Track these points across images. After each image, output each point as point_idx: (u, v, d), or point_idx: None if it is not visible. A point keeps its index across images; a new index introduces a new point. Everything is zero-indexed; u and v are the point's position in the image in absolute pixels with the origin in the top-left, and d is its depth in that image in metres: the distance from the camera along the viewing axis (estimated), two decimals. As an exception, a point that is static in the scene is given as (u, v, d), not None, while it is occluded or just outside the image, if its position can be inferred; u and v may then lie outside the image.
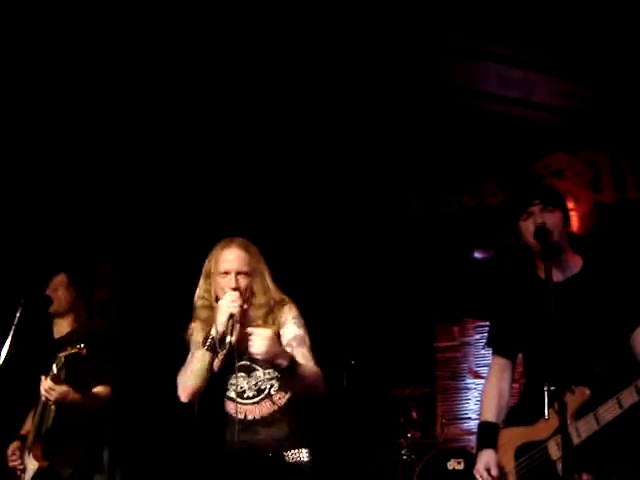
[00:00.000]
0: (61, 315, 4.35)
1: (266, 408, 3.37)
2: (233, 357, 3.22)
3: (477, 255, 7.05)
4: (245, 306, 3.32)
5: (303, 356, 3.30)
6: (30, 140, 5.68)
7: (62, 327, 4.34)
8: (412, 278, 7.02)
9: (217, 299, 3.40)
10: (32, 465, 3.93)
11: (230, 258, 3.39)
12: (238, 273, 3.36)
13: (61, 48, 4.84)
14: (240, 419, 3.31)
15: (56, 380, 3.86)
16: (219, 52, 5.41)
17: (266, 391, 3.38)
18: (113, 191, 6.11)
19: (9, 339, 3.96)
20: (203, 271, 3.50)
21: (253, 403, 3.38)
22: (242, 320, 3.27)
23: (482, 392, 3.48)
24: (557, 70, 5.90)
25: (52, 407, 3.92)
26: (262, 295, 3.45)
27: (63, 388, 3.87)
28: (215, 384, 3.38)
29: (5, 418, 4.14)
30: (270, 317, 3.43)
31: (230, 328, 3.17)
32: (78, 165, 5.91)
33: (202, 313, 3.46)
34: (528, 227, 3.14)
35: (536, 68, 5.90)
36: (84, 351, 3.90)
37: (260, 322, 3.38)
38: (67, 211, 5.86)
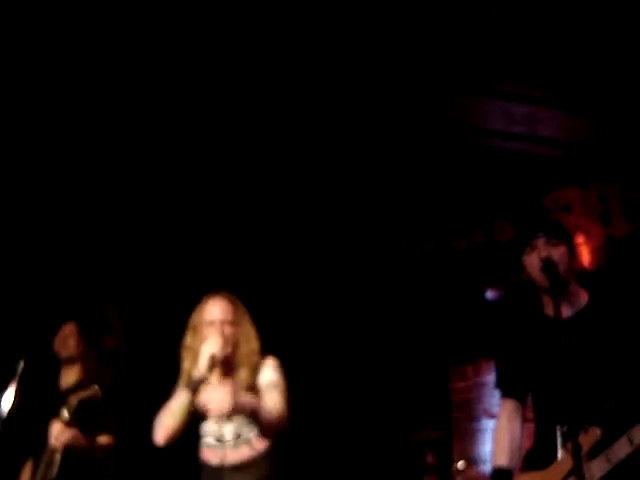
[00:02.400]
0: (69, 365, 4.29)
1: (246, 453, 3.46)
2: None
3: (489, 295, 6.97)
4: (229, 350, 3.51)
5: (271, 400, 3.48)
6: (34, 186, 5.69)
7: (70, 377, 4.27)
8: (424, 319, 6.94)
9: None
10: (35, 516, 3.86)
11: (215, 308, 3.61)
12: (223, 322, 3.56)
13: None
14: (219, 464, 3.42)
15: (67, 423, 3.80)
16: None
17: (244, 436, 3.48)
18: (118, 234, 6.10)
19: (13, 389, 3.92)
20: (189, 324, 3.69)
21: (232, 447, 3.45)
22: (227, 366, 3.51)
23: (492, 436, 3.39)
24: (563, 105, 5.88)
25: (57, 457, 3.85)
26: (247, 343, 3.63)
27: (73, 431, 3.80)
28: (192, 433, 3.47)
29: (7, 470, 4.07)
30: (253, 367, 3.61)
31: (210, 367, 3.36)
32: (83, 213, 5.92)
33: (187, 363, 3.61)
34: (532, 261, 3.07)
35: (542, 103, 5.87)
36: (99, 393, 3.86)
37: (246, 371, 3.57)
38: (72, 257, 5.85)
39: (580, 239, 6.25)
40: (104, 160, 5.81)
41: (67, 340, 4.29)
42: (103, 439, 4.01)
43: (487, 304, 6.94)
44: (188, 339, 3.66)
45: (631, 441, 2.73)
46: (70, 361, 4.28)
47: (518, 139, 6.23)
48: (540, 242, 3.08)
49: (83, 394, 3.86)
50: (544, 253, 3.03)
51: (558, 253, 3.05)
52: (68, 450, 3.83)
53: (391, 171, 6.58)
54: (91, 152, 5.72)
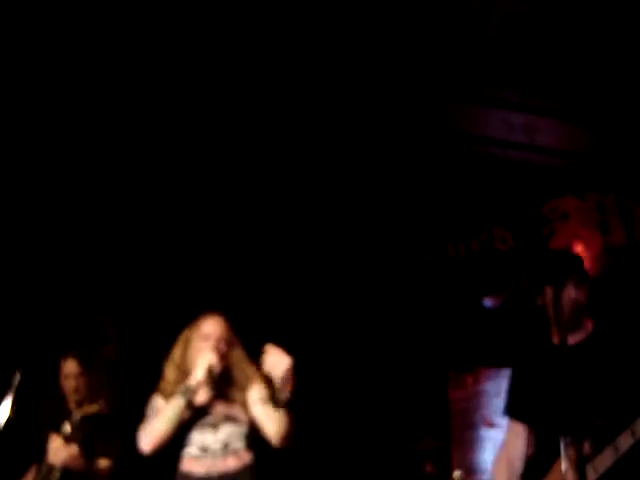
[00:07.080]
0: (81, 403, 4.09)
1: (232, 463, 3.39)
2: (202, 410, 3.44)
3: (487, 303, 6.95)
4: (222, 366, 3.51)
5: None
6: (29, 198, 5.68)
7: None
8: (423, 328, 6.92)
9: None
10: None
11: (212, 324, 3.62)
12: (219, 339, 3.58)
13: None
14: (204, 475, 3.35)
15: (67, 439, 3.72)
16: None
17: (232, 446, 3.42)
18: (114, 246, 6.08)
19: (9, 402, 3.87)
20: (180, 337, 3.69)
21: (219, 457, 3.39)
22: (217, 381, 3.49)
23: (494, 462, 3.41)
24: (562, 114, 5.87)
25: (56, 475, 3.76)
26: (240, 364, 3.64)
27: (72, 449, 3.71)
28: (175, 442, 3.42)
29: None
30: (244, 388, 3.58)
31: (208, 377, 3.41)
32: (79, 226, 5.89)
33: (171, 375, 3.59)
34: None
35: (541, 113, 5.87)
36: (105, 410, 3.78)
37: (239, 391, 3.56)
38: (68, 269, 5.81)
39: (579, 248, 6.24)
40: (99, 173, 5.79)
41: (71, 380, 4.11)
42: (103, 462, 3.91)
43: (486, 312, 6.92)
44: (178, 351, 3.65)
45: (617, 449, 2.77)
46: (83, 399, 4.11)
47: (517, 148, 6.22)
48: (570, 283, 3.13)
49: (87, 409, 3.77)
50: (573, 295, 3.11)
51: (582, 296, 3.16)
52: (66, 469, 3.76)
53: (389, 180, 6.57)
54: (88, 165, 5.70)
